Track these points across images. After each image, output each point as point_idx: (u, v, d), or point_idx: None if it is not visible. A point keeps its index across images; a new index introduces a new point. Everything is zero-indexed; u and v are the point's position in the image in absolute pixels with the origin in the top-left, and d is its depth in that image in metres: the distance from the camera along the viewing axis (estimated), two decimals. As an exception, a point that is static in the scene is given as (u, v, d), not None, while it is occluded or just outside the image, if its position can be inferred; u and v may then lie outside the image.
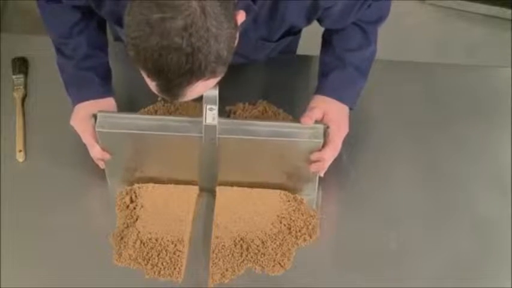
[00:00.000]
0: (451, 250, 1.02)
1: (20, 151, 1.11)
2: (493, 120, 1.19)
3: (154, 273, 0.98)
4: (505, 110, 1.20)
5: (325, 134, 0.98)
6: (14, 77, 1.21)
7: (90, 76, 1.06)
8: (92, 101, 1.04)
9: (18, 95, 1.19)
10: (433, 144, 1.15)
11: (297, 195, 1.06)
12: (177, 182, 1.06)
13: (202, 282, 0.97)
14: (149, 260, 0.99)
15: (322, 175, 1.03)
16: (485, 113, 1.20)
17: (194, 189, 1.06)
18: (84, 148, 1.05)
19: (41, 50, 1.21)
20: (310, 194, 1.06)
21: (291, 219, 1.03)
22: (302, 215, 1.04)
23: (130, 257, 0.99)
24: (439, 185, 1.10)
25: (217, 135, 0.95)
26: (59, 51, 1.08)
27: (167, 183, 1.07)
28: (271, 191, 1.06)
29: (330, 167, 1.09)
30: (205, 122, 0.92)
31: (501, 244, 1.03)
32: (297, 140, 0.97)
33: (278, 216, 1.04)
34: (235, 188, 1.06)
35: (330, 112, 1.01)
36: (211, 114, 0.91)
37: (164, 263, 0.98)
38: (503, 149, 1.15)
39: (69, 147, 1.12)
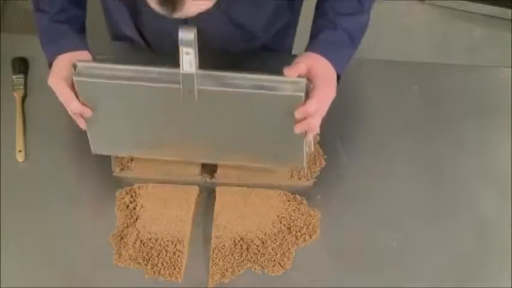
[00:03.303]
0: (451, 250, 1.02)
1: (20, 151, 1.11)
2: (493, 120, 1.19)
3: (154, 273, 0.98)
4: (505, 110, 1.20)
5: (308, 89, 0.93)
6: (14, 77, 1.21)
7: (64, 28, 1.04)
8: (67, 54, 1.01)
9: (18, 95, 1.19)
10: (433, 144, 1.15)
11: (296, 195, 1.06)
12: (160, 146, 1.05)
13: (202, 282, 0.97)
14: (149, 260, 0.99)
15: (310, 140, 0.99)
16: (485, 113, 1.20)
17: (194, 189, 1.06)
18: (84, 148, 1.05)
19: (41, 50, 1.21)
20: (298, 164, 1.04)
21: (291, 219, 1.03)
22: (302, 215, 1.04)
23: (130, 257, 0.99)
24: (439, 185, 1.10)
25: (195, 87, 0.92)
26: (35, 6, 1.06)
27: (150, 149, 1.05)
28: (271, 190, 1.06)
29: (329, 167, 1.10)
30: (183, 69, 0.89)
31: (501, 244, 1.03)
32: (277, 94, 0.92)
33: (278, 216, 1.04)
34: (235, 188, 1.06)
35: (315, 67, 0.96)
36: (187, 60, 0.88)
37: (164, 263, 0.98)
38: (503, 149, 1.15)
39: (69, 147, 1.12)
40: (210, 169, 1.10)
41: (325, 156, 1.11)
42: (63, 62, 1.00)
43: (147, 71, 0.94)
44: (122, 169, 1.09)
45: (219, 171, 1.08)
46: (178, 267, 0.98)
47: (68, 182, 1.09)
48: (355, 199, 1.08)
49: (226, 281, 0.97)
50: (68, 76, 0.96)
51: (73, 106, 0.97)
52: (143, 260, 0.99)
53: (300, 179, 1.08)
